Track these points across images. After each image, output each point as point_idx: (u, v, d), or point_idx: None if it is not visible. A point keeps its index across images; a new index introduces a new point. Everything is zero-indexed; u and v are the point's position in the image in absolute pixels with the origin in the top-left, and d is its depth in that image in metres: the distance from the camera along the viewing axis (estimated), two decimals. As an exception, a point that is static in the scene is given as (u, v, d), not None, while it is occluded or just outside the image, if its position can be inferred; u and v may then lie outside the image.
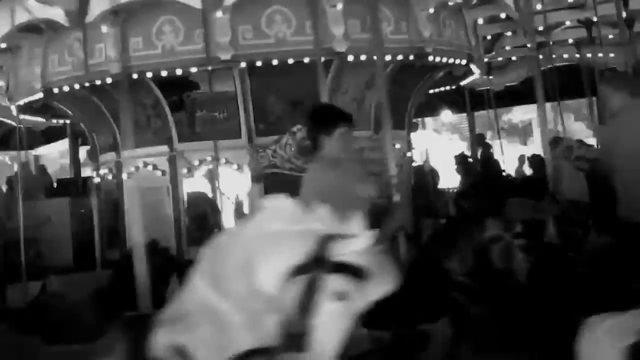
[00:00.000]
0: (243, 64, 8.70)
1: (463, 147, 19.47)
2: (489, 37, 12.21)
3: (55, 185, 15.74)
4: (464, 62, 10.34)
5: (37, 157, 19.72)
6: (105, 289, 6.02)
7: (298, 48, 8.62)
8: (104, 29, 8.73)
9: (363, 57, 8.67)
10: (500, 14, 10.68)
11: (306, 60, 8.49)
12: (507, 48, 13.17)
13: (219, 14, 8.48)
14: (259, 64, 8.63)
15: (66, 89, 9.36)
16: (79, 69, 9.19)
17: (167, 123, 9.28)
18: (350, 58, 8.77)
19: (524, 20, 9.47)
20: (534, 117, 19.36)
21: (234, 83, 8.91)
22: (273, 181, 8.95)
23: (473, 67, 10.82)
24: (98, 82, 9.05)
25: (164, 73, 8.74)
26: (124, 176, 9.70)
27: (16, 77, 10.53)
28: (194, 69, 8.71)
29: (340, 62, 8.81)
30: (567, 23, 12.04)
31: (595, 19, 11.14)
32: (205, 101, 9.16)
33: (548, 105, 16.02)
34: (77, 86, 9.28)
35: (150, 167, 9.45)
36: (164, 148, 9.37)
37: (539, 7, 10.64)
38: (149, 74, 8.78)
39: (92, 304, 5.73)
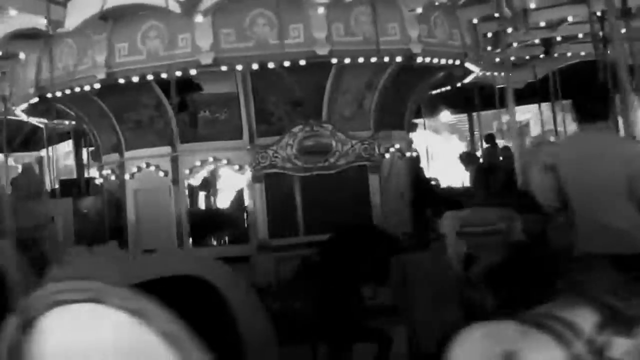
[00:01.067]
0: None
1: (462, 147, 19.58)
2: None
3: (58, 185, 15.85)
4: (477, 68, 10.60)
5: (40, 159, 19.83)
6: (316, 263, 6.55)
7: (382, 47, 8.75)
8: (199, 18, 8.45)
9: (435, 61, 9.40)
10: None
11: (373, 59, 8.79)
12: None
13: (320, 9, 8.56)
14: (347, 61, 8.77)
15: (135, 79, 8.88)
16: (155, 58, 8.83)
17: (169, 123, 9.35)
18: (419, 60, 9.19)
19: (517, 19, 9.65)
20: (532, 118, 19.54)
21: (235, 84, 8.95)
22: (274, 181, 9.06)
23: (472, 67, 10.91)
24: (179, 73, 8.76)
25: (254, 66, 8.66)
26: (127, 176, 9.83)
27: (57, 66, 9.46)
28: (287, 63, 8.64)
29: (341, 63, 8.92)
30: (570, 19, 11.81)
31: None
32: (207, 102, 9.26)
33: (544, 105, 16.19)
34: (150, 77, 8.86)
35: (152, 168, 9.56)
36: (167, 149, 9.42)
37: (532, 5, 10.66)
38: (239, 67, 8.68)
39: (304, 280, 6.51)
